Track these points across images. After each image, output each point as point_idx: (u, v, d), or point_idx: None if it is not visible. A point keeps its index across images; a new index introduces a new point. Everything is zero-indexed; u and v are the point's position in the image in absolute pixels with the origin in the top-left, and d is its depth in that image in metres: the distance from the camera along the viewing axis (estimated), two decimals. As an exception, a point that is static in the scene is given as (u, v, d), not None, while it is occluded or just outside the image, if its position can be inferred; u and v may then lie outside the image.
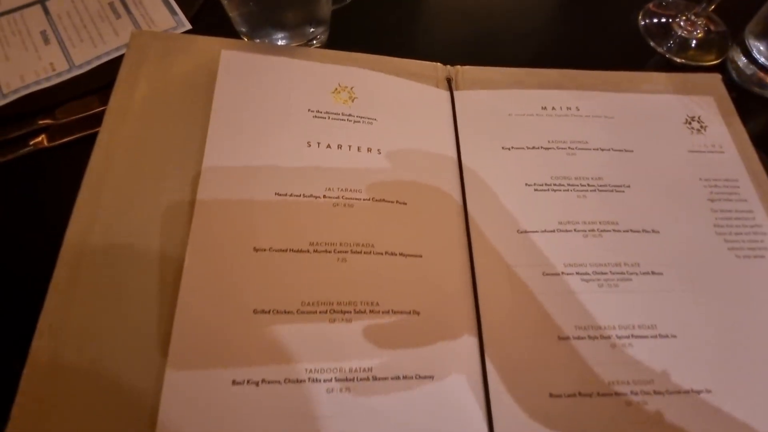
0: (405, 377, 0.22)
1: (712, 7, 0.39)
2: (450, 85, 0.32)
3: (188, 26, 0.36)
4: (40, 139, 0.30)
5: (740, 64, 0.38)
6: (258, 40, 0.33)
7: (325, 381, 0.21)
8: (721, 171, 0.31)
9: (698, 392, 0.24)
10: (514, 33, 0.40)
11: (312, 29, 0.34)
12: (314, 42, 0.35)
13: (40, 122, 0.31)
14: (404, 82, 0.31)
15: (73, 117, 0.31)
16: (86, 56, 0.34)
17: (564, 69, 0.34)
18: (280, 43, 0.34)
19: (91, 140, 0.26)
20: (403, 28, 0.39)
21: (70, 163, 0.26)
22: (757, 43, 0.36)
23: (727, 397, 0.24)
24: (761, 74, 0.37)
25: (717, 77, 0.35)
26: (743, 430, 0.23)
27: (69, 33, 0.35)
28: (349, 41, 0.36)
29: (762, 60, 0.36)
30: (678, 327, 0.25)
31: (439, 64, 0.33)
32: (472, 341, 0.23)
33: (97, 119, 0.27)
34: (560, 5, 0.43)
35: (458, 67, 0.33)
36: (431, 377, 0.22)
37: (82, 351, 0.21)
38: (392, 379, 0.22)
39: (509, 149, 0.30)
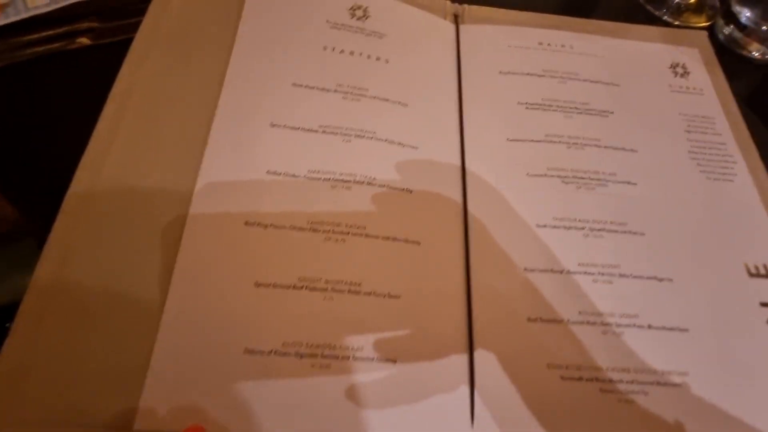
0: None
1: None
2: (456, 19, 0.36)
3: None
4: (84, 39, 0.34)
5: (726, 27, 0.41)
6: None
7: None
8: (699, 109, 0.34)
9: (660, 279, 0.26)
10: None
11: None
12: None
13: (86, 25, 0.34)
14: (414, 9, 0.34)
15: (117, 22, 0.34)
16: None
17: (564, 16, 0.38)
18: None
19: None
20: None
21: (111, 63, 0.28)
22: (742, 8, 0.39)
23: (689, 285, 0.26)
24: (745, 38, 0.40)
25: (704, 34, 0.38)
26: (701, 312, 0.25)
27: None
28: None
29: (743, 22, 0.39)
30: (647, 226, 0.28)
31: (448, 1, 0.36)
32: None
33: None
34: None
35: (465, 6, 0.37)
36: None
37: (88, 273, 0.22)
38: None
39: (506, 74, 0.33)
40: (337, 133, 0.27)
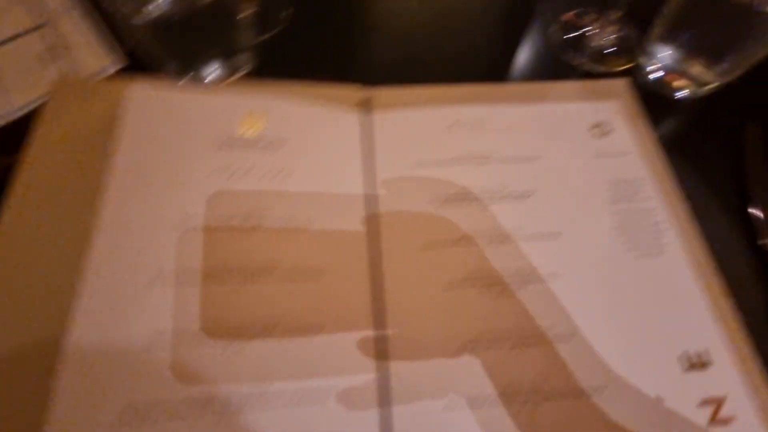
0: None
1: (620, 14, 0.41)
2: (367, 106, 0.34)
3: (121, 64, 0.37)
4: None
5: (648, 68, 0.40)
6: (188, 74, 0.35)
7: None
8: (625, 172, 0.32)
9: (590, 393, 0.25)
10: (446, 54, 0.41)
11: (234, 60, 0.35)
12: (239, 72, 0.36)
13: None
14: (316, 107, 0.32)
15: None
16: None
17: (477, 84, 0.36)
18: (209, 76, 0.35)
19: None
20: (334, 51, 0.41)
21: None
22: (661, 47, 0.38)
23: (623, 392, 0.24)
24: (667, 77, 0.39)
25: (624, 82, 0.37)
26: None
27: None
28: (279, 68, 0.37)
29: (663, 63, 0.38)
30: (574, 327, 0.26)
31: (357, 86, 0.35)
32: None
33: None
34: (483, 24, 0.44)
35: (375, 89, 0.35)
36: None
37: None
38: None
39: (421, 166, 0.31)
40: (226, 283, 0.25)
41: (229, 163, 0.28)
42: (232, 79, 0.35)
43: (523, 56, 0.42)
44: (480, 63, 0.41)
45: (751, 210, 0.33)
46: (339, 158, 0.30)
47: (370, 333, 0.25)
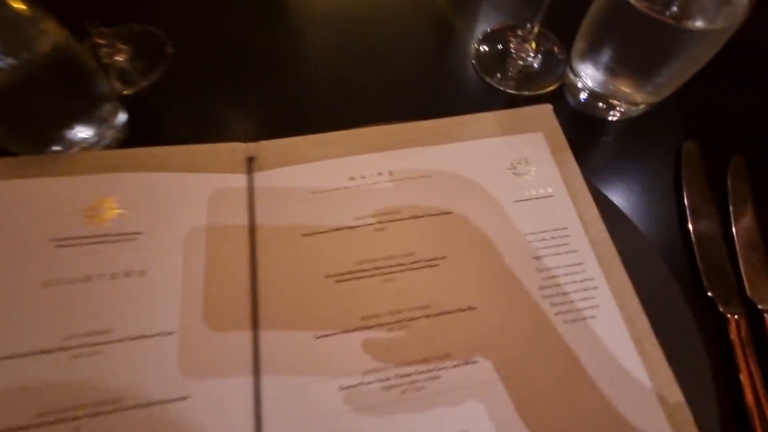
0: None
1: (536, 29, 0.36)
2: (251, 165, 0.30)
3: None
4: None
5: (573, 88, 0.36)
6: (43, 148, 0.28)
7: None
8: (549, 220, 0.28)
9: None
10: (349, 90, 0.37)
11: (92, 129, 0.29)
12: (104, 141, 0.31)
13: None
14: (186, 176, 0.27)
15: None
16: None
17: (381, 125, 0.32)
18: (70, 146, 0.29)
19: None
20: (214, 107, 0.35)
21: None
22: (584, 65, 0.34)
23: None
24: (594, 97, 0.35)
25: (548, 108, 0.33)
26: None
27: None
28: (152, 129, 0.33)
29: (589, 83, 0.34)
30: (490, 426, 0.22)
31: (238, 143, 0.30)
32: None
33: None
34: (394, 51, 0.39)
35: (261, 143, 0.30)
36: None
37: None
38: None
39: (310, 235, 0.27)
40: (62, 420, 0.20)
41: (70, 267, 0.23)
42: (98, 148, 0.30)
43: (442, 83, 0.38)
44: (391, 97, 0.37)
45: (698, 258, 0.29)
46: (211, 239, 0.25)
47: None
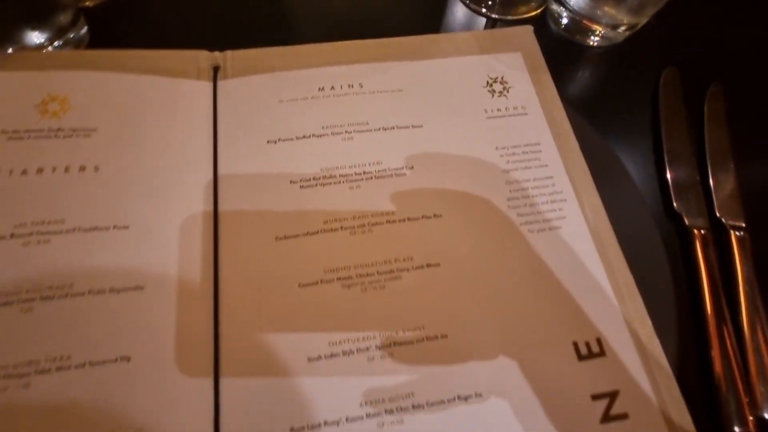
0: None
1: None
2: (216, 74, 0.29)
3: None
4: None
5: (556, 13, 0.35)
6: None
7: None
8: (521, 136, 0.28)
9: (466, 398, 0.21)
10: (321, 8, 0.35)
11: (49, 36, 0.28)
12: (69, 45, 0.30)
13: None
14: (144, 79, 0.26)
15: None
16: None
17: (355, 40, 0.31)
18: (25, 45, 0.28)
19: None
20: (180, 22, 0.34)
21: None
22: (571, -12, 0.33)
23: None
24: (577, 22, 0.34)
25: (527, 30, 0.32)
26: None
27: None
28: (113, 43, 0.31)
29: (574, 6, 0.33)
30: (450, 328, 0.22)
31: (203, 51, 0.29)
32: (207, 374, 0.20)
33: None
34: None
35: (228, 52, 0.29)
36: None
37: None
38: None
39: (275, 142, 0.26)
40: (11, 302, 0.20)
41: (22, 158, 0.22)
42: (57, 49, 0.29)
43: (422, 6, 0.37)
44: (367, 19, 0.35)
45: (667, 172, 0.29)
46: (168, 141, 0.25)
47: None
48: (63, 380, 0.19)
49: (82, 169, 0.23)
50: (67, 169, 0.22)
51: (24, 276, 0.20)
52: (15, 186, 0.22)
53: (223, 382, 0.20)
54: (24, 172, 0.22)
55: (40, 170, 0.22)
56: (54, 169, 0.22)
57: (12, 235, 0.21)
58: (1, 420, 0.18)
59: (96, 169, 0.23)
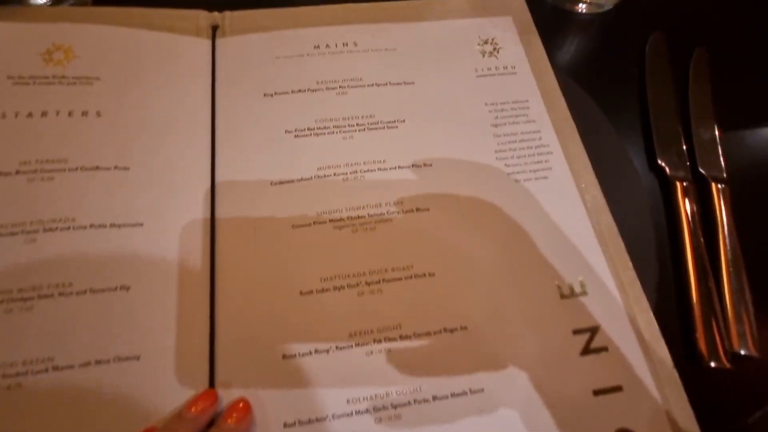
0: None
1: None
2: (214, 33, 0.29)
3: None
4: None
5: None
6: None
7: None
8: (510, 93, 0.29)
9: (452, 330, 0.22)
10: None
11: None
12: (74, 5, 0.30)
13: None
14: (145, 34, 0.27)
15: None
16: None
17: (350, 3, 0.32)
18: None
19: None
20: None
21: None
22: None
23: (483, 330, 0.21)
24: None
25: (518, -5, 0.33)
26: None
27: None
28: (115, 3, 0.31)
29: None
30: (437, 267, 0.23)
31: (202, 11, 0.29)
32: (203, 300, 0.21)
33: None
34: None
35: (226, 12, 0.30)
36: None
37: None
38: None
39: (272, 96, 0.27)
40: (16, 233, 0.21)
41: (27, 102, 0.23)
42: (61, 4, 0.29)
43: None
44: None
45: (652, 127, 0.30)
46: (168, 92, 0.25)
47: None
48: (65, 304, 0.20)
49: (85, 114, 0.24)
50: (70, 114, 0.23)
51: (29, 209, 0.21)
52: (20, 127, 0.23)
53: (219, 311, 0.21)
54: (29, 114, 0.23)
55: (44, 113, 0.23)
56: (57, 113, 0.23)
57: (17, 172, 0.22)
58: (6, 338, 0.19)
59: (98, 114, 0.24)
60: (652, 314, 0.23)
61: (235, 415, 0.19)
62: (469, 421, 0.20)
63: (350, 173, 0.25)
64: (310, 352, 0.21)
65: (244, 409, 0.19)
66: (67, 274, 0.20)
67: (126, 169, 0.23)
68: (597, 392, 0.21)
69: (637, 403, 0.21)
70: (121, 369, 0.19)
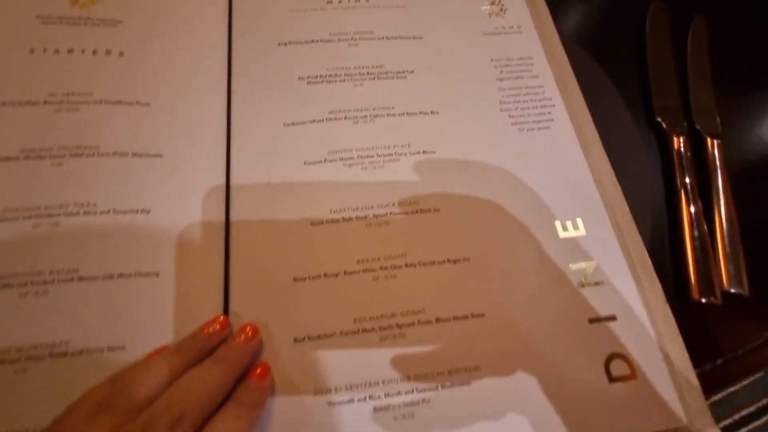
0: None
1: None
2: (231, -14, 0.31)
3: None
4: None
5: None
6: None
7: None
8: (516, 50, 0.30)
9: (455, 261, 0.23)
10: None
11: None
12: None
13: None
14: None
15: None
16: None
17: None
18: None
19: None
20: None
21: None
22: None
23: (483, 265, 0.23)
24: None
25: (525, -40, 0.34)
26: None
27: None
28: None
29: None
30: (441, 204, 0.24)
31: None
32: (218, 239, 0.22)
33: None
34: None
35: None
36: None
37: None
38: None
39: (286, 45, 0.28)
40: (44, 156, 0.22)
41: (54, 39, 0.24)
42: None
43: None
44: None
45: (651, 86, 0.31)
46: (188, 36, 0.27)
47: None
48: (90, 222, 0.21)
49: (108, 53, 0.25)
50: (94, 52, 0.25)
51: (56, 136, 0.22)
52: (47, 62, 0.24)
53: (233, 234, 0.22)
54: (56, 51, 0.24)
55: (70, 51, 0.24)
56: (83, 51, 0.24)
57: (45, 102, 0.23)
58: (33, 249, 0.20)
59: (121, 54, 0.25)
60: (646, 253, 0.24)
61: (243, 335, 0.20)
62: (469, 342, 0.21)
63: (360, 117, 0.26)
64: (320, 276, 0.22)
65: (253, 329, 0.20)
66: (92, 194, 0.21)
67: (147, 104, 0.24)
68: (592, 320, 0.22)
69: (630, 331, 0.22)
70: (141, 283, 0.20)
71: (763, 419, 0.66)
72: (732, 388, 0.67)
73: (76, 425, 0.16)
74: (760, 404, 0.67)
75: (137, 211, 0.21)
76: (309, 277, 0.22)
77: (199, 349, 0.19)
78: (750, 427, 0.65)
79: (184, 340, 0.20)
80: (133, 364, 0.18)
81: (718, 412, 0.72)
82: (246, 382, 0.19)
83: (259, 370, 0.19)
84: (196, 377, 0.18)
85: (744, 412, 0.66)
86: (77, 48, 0.24)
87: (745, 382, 0.69)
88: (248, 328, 0.20)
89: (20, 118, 0.22)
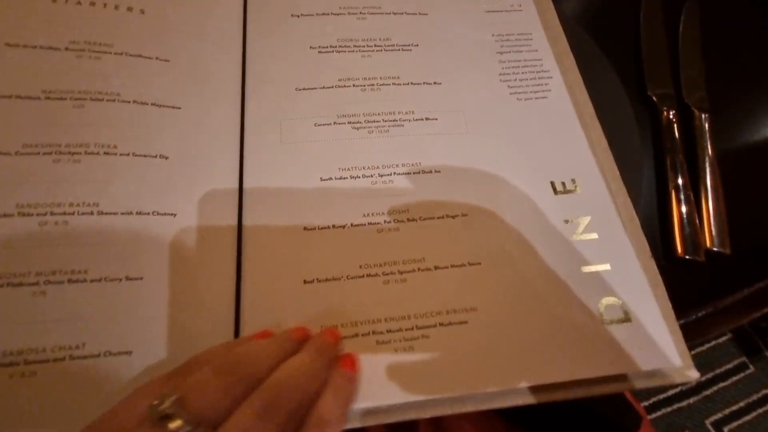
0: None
1: None
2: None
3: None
4: None
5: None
6: None
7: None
8: (516, 26, 0.31)
9: (454, 216, 0.24)
10: None
11: None
12: None
13: None
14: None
15: None
16: None
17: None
18: None
19: None
20: None
21: None
22: None
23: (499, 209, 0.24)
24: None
25: (528, -58, 0.36)
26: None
27: None
28: None
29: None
30: (441, 164, 0.25)
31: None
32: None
33: None
34: None
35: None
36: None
37: None
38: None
39: (298, 17, 0.30)
40: (65, 98, 0.23)
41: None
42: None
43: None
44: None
45: (643, 63, 0.32)
46: (207, 3, 0.28)
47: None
48: (110, 162, 0.23)
49: (130, 9, 0.26)
50: (116, 7, 0.26)
51: (78, 80, 0.24)
52: (69, 11, 0.26)
53: (247, 187, 0.24)
54: (78, 2, 0.26)
55: (92, 3, 0.26)
56: (105, 5, 0.26)
57: (67, 48, 0.25)
58: (56, 184, 0.22)
59: (142, 12, 0.27)
60: (635, 214, 0.25)
61: (329, 335, 0.20)
62: (466, 287, 0.22)
63: (368, 85, 0.28)
64: (329, 227, 0.23)
65: (335, 334, 0.21)
66: (112, 137, 0.23)
67: (166, 61, 0.26)
68: (586, 269, 0.23)
69: (623, 279, 0.23)
70: (159, 222, 0.22)
71: (741, 375, 0.76)
72: (708, 345, 0.78)
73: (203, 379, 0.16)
74: (737, 361, 0.78)
75: (156, 156, 0.23)
76: (318, 227, 0.23)
77: (295, 342, 0.20)
78: (728, 382, 0.76)
79: (282, 333, 0.20)
80: (240, 339, 0.20)
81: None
82: (340, 370, 0.19)
83: (351, 359, 0.20)
84: (300, 364, 0.18)
85: (719, 370, 0.77)
86: (99, 1, 0.26)
87: (720, 340, 0.78)
88: (334, 332, 0.21)
89: (41, 62, 0.24)
